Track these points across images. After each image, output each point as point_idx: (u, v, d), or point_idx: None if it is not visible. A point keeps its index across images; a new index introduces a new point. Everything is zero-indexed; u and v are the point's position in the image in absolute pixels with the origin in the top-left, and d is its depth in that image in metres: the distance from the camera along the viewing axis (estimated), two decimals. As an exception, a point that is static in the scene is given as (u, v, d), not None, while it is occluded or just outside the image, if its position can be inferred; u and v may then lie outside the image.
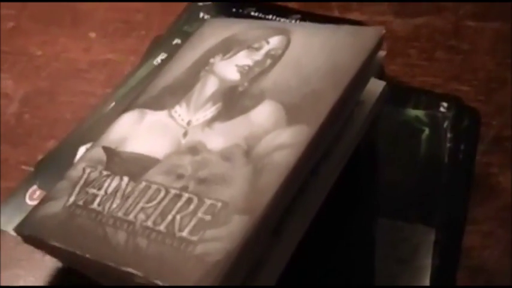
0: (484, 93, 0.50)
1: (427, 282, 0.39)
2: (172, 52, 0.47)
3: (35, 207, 0.37)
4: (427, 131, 0.47)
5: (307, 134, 0.34)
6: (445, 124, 0.47)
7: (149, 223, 0.32)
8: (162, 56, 0.49)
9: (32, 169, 0.45)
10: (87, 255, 0.32)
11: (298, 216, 0.36)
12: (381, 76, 0.44)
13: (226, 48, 0.42)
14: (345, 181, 0.40)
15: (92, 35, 0.58)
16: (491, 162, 0.46)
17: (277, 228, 0.34)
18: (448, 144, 0.46)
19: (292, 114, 0.35)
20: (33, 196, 0.42)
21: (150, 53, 0.51)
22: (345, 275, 0.39)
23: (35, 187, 0.43)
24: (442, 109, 0.48)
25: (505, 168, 0.45)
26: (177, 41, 0.50)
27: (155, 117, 0.39)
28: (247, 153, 0.34)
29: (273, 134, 0.34)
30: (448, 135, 0.46)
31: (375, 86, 0.41)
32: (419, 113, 0.48)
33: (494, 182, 0.44)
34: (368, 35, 0.39)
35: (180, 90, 0.40)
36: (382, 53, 0.40)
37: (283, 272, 0.34)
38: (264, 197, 0.31)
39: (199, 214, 0.32)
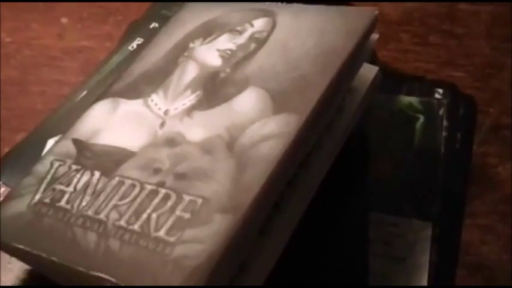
0: (480, 79, 0.47)
1: (424, 282, 0.36)
2: (149, 37, 0.44)
3: (-1, 206, 0.34)
4: (421, 118, 0.44)
5: (295, 123, 0.31)
6: (441, 112, 0.44)
7: (122, 222, 0.29)
8: (138, 41, 0.46)
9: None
10: (54, 259, 0.29)
11: (287, 213, 0.33)
12: (373, 61, 0.41)
13: (207, 32, 0.39)
14: (336, 174, 0.37)
15: (65, 20, 0.55)
16: (489, 152, 0.43)
17: (264, 226, 0.31)
18: (444, 133, 0.43)
19: (279, 101, 0.32)
20: (-2, 194, 0.39)
21: (126, 38, 0.47)
22: (337, 275, 0.36)
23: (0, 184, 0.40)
24: (437, 96, 0.45)
25: (503, 158, 0.42)
26: (154, 25, 0.47)
27: (130, 107, 0.36)
28: (230, 145, 0.31)
29: (258, 123, 0.32)
30: (444, 123, 0.44)
31: (367, 72, 0.39)
32: (413, 100, 0.45)
33: (492, 173, 0.42)
34: (360, 16, 0.36)
35: (157, 77, 0.37)
36: (374, 36, 0.37)
37: (272, 272, 0.31)
38: (249, 193, 0.28)
39: (178, 212, 0.29)
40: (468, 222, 0.39)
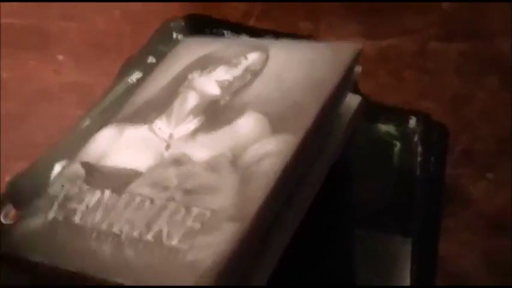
0: (451, 110, 0.52)
1: (407, 293, 0.39)
2: (148, 71, 0.47)
3: (11, 226, 0.36)
4: (398, 145, 0.48)
5: (292, 142, 0.35)
6: (415, 139, 0.48)
7: (135, 234, 0.32)
8: (137, 74, 0.50)
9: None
10: (72, 269, 0.32)
11: (285, 226, 0.36)
12: (355, 92, 0.45)
13: (204, 65, 0.43)
14: (325, 194, 0.40)
15: (61, 57, 0.58)
16: (461, 174, 0.47)
17: (263, 239, 0.34)
18: (419, 158, 0.47)
19: (276, 124, 0.36)
20: (8, 216, 0.41)
21: (125, 72, 0.51)
22: (324, 286, 0.39)
23: (9, 206, 0.42)
24: (411, 124, 0.49)
25: (474, 180, 0.46)
26: (151, 59, 0.50)
27: (135, 132, 0.39)
28: (234, 162, 0.34)
29: (259, 143, 0.35)
30: (419, 149, 0.48)
31: (352, 100, 0.43)
32: (390, 128, 0.49)
33: (465, 192, 0.46)
34: (346, 50, 0.40)
35: (159, 105, 0.40)
36: (358, 69, 0.41)
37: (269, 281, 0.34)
38: (253, 204, 0.32)
39: (188, 223, 0.32)
40: (445, 238, 0.43)
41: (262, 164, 0.34)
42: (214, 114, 0.38)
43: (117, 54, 0.57)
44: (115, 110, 0.42)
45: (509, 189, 0.45)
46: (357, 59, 0.39)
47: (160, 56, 0.48)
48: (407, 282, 0.40)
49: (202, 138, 0.37)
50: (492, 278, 0.40)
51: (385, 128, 0.49)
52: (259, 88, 0.39)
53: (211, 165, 0.34)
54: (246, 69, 0.41)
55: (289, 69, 0.40)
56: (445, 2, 0.59)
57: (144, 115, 0.40)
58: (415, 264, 0.41)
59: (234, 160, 0.34)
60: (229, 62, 0.42)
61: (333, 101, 0.38)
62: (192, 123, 0.38)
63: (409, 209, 0.44)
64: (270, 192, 0.32)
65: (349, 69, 0.39)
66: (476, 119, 0.50)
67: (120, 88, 0.49)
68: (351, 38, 0.58)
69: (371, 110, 0.50)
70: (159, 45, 0.51)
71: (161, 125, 0.39)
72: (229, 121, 0.37)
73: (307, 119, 0.36)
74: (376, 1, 0.61)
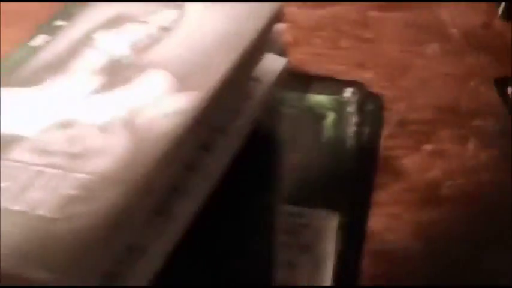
0: (388, 79, 0.49)
1: (330, 270, 0.36)
2: (55, 34, 0.43)
3: None
4: (331, 115, 0.45)
5: (196, 101, 0.31)
6: (349, 109, 0.45)
7: (5, 204, 0.28)
8: (43, 38, 0.45)
9: None
10: None
11: (188, 197, 0.32)
12: (281, 54, 0.42)
13: (111, 24, 0.39)
14: (242, 164, 0.37)
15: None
16: (395, 145, 0.44)
17: (161, 208, 0.31)
18: (353, 129, 0.44)
19: (181, 83, 0.32)
20: None
21: (30, 36, 0.46)
22: (242, 263, 0.36)
23: None
24: (345, 94, 0.46)
25: (408, 151, 0.43)
26: (60, 23, 0.46)
27: (23, 94, 0.35)
28: (128, 123, 0.31)
29: (158, 102, 0.31)
30: (353, 119, 0.45)
31: (275, 63, 0.39)
32: (323, 98, 0.46)
33: (398, 164, 0.43)
34: (265, 9, 0.37)
35: (57, 67, 0.36)
36: (281, 26, 0.38)
37: (166, 262, 0.31)
38: (144, 167, 0.28)
39: (64, 189, 0.28)
40: (374, 212, 0.40)
41: (159, 124, 0.30)
42: (116, 74, 0.34)
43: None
44: (10, 74, 0.38)
45: (444, 161, 0.42)
46: (277, 18, 0.36)
47: (70, 19, 0.44)
48: (331, 260, 0.37)
49: (97, 99, 0.33)
50: (422, 253, 0.37)
51: (318, 98, 0.46)
52: (169, 46, 0.35)
53: (103, 127, 0.31)
54: (156, 27, 0.37)
55: (203, 27, 0.36)
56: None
57: (39, 77, 0.36)
58: (340, 241, 0.38)
59: (129, 121, 0.31)
60: (137, 20, 0.38)
61: (247, 59, 0.34)
62: (90, 84, 0.34)
63: (338, 182, 0.41)
64: (165, 154, 0.29)
65: (267, 28, 0.35)
66: (414, 88, 0.48)
67: (21, 52, 0.44)
68: (285, 7, 0.54)
69: (303, 80, 0.47)
70: (72, 9, 0.47)
71: (54, 86, 0.35)
72: (129, 80, 0.33)
73: (215, 77, 0.32)
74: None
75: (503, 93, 0.45)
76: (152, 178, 0.28)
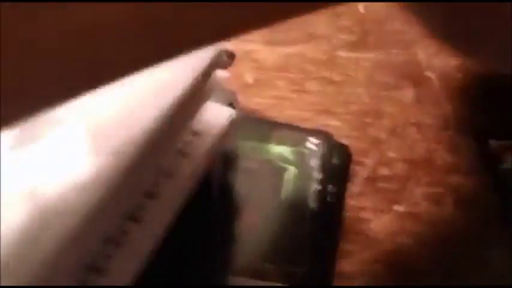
0: (357, 128, 0.44)
1: None
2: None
3: None
4: (292, 170, 0.40)
5: (113, 167, 0.26)
6: (313, 163, 0.40)
7: None
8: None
9: None
10: None
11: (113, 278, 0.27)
12: (231, 105, 0.37)
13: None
14: (186, 229, 0.32)
15: None
16: (363, 205, 0.39)
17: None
18: (315, 186, 0.39)
19: (98, 142, 0.27)
20: None
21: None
22: None
23: None
24: (309, 145, 0.41)
25: (377, 213, 0.38)
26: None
27: None
28: (32, 195, 0.25)
29: (69, 168, 0.26)
30: (316, 175, 0.40)
31: (220, 114, 0.34)
32: (283, 149, 0.41)
33: (365, 228, 0.38)
34: (203, 53, 0.32)
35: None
36: (222, 73, 0.33)
37: None
38: (43, 254, 0.23)
39: None
40: (338, 285, 0.35)
41: (67, 197, 0.25)
42: (27, 129, 0.29)
43: None
44: None
45: (416, 225, 0.37)
46: (215, 61, 0.31)
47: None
48: None
49: (5, 158, 0.27)
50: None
51: (278, 149, 0.41)
52: (86, 97, 0.30)
53: (5, 202, 0.25)
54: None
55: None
56: (361, 3, 0.52)
57: None
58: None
59: (33, 192, 0.25)
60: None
61: (180, 112, 0.29)
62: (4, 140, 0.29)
63: (296, 249, 0.36)
64: (72, 243, 0.23)
65: (204, 75, 0.30)
66: (385, 139, 0.43)
67: None
68: (250, 43, 0.50)
69: (262, 127, 0.43)
70: None
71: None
72: (40, 136, 0.28)
73: (139, 135, 0.27)
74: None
75: (483, 146, 0.41)
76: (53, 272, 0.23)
